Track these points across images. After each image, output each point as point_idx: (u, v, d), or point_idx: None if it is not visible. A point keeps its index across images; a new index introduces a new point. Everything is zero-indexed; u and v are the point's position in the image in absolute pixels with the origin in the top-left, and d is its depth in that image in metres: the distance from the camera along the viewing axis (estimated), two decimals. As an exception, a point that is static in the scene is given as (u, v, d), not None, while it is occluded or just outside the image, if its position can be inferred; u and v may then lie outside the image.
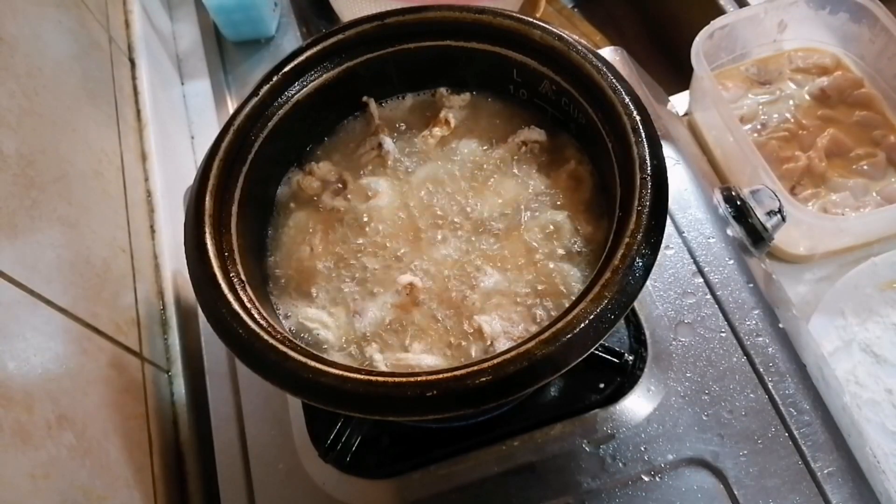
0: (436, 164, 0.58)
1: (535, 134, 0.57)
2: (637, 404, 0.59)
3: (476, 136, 0.60)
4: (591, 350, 0.40)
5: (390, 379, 0.40)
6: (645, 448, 0.57)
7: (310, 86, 0.56)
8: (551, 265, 0.52)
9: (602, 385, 0.61)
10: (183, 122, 1.05)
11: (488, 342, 0.49)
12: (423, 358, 0.49)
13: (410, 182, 0.58)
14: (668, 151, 0.65)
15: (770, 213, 0.66)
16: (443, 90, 0.61)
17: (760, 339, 0.61)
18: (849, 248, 0.83)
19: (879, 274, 0.79)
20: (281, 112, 0.54)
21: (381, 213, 0.56)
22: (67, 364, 0.56)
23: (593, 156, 0.55)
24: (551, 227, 0.53)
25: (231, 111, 0.57)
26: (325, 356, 0.45)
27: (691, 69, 0.86)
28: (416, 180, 0.58)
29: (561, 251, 0.52)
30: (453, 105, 0.60)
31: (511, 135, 0.58)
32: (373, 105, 0.60)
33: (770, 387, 0.59)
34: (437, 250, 0.54)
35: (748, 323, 0.62)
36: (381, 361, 0.49)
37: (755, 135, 0.89)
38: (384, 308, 0.51)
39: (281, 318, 0.53)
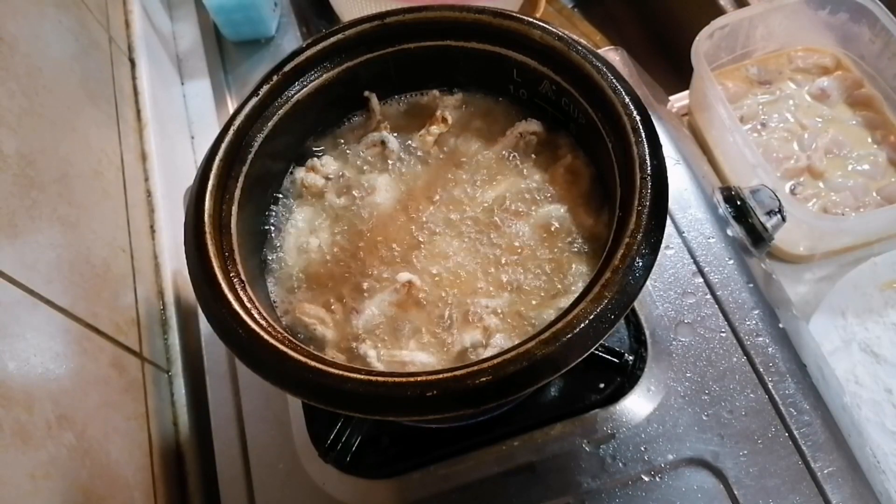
0: (435, 162, 0.59)
1: (533, 125, 0.57)
2: (637, 404, 0.59)
3: (474, 133, 0.60)
4: (591, 350, 0.40)
5: (390, 379, 0.39)
6: (645, 448, 0.57)
7: (310, 86, 0.56)
8: (552, 258, 0.52)
9: (602, 385, 0.61)
10: (183, 122, 1.04)
11: (487, 340, 0.48)
12: (417, 355, 0.49)
13: (411, 179, 0.58)
14: (668, 151, 0.65)
15: (770, 213, 0.66)
16: (435, 91, 0.61)
17: (760, 339, 0.61)
18: (849, 248, 0.83)
19: (879, 274, 0.79)
20: (281, 112, 0.54)
21: (382, 209, 0.56)
22: (67, 364, 0.56)
23: (593, 155, 0.55)
24: (551, 220, 0.53)
25: (231, 111, 0.57)
26: (321, 353, 0.45)
27: (691, 69, 0.86)
28: (416, 177, 0.58)
29: (561, 244, 0.52)
30: (448, 104, 0.60)
31: (509, 128, 0.58)
32: (374, 100, 0.60)
33: (770, 387, 0.59)
34: (437, 247, 0.54)
35: (748, 323, 0.62)
36: (375, 358, 0.49)
37: (755, 135, 0.89)
38: (382, 306, 0.51)
39: (279, 314, 0.53)
